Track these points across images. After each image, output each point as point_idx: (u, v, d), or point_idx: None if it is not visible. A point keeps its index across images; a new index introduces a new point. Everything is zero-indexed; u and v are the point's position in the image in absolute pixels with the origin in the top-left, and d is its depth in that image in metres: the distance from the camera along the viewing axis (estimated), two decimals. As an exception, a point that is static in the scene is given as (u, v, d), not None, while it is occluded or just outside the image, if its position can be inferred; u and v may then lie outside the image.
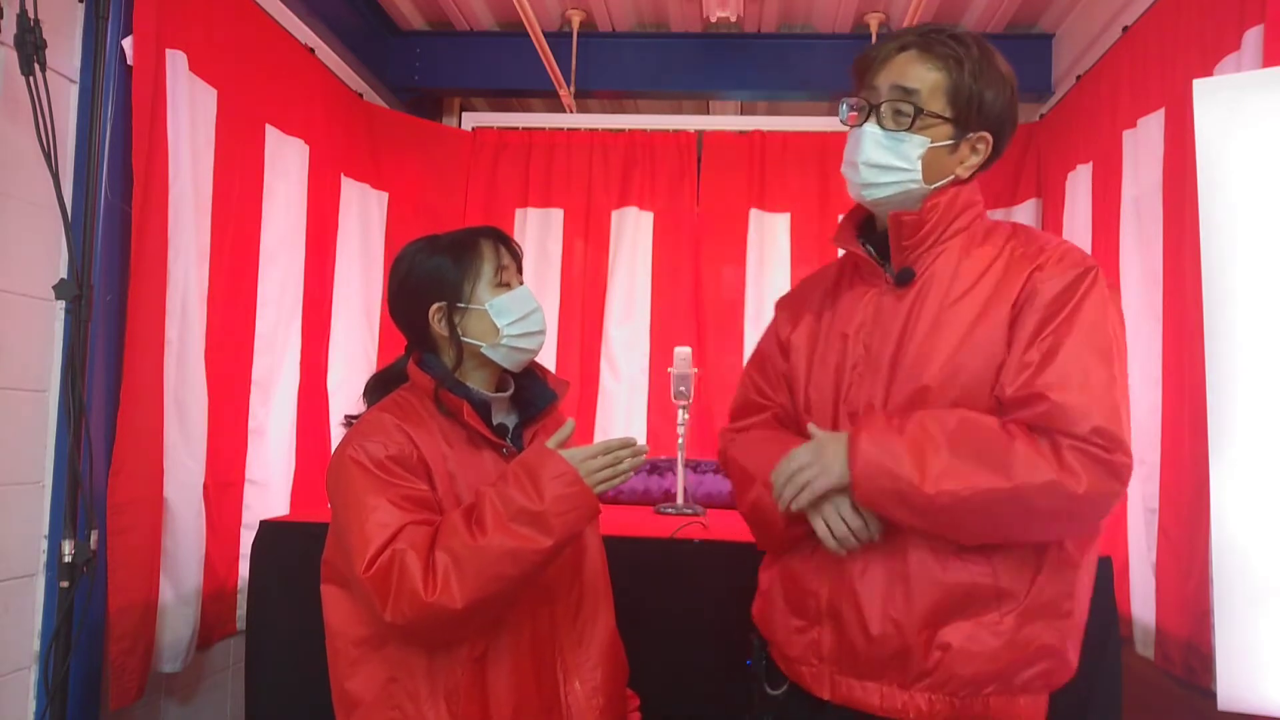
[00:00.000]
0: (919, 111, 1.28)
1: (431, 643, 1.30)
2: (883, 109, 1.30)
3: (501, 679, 1.31)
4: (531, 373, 1.50)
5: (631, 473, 1.30)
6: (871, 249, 1.37)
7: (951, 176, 1.32)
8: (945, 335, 1.25)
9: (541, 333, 1.43)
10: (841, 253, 1.45)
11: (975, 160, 1.32)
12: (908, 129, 1.29)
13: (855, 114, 1.34)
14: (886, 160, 1.30)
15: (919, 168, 1.30)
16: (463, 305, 1.39)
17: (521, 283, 1.45)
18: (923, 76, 1.29)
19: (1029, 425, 1.18)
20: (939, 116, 1.29)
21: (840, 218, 1.46)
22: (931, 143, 1.29)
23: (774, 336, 1.48)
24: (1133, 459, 1.18)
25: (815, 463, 1.24)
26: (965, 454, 1.17)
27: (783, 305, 1.51)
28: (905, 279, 1.32)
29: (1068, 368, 1.18)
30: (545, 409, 1.48)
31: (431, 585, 1.20)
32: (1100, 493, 1.16)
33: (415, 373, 1.40)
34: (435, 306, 1.40)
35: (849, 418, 1.32)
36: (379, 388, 1.46)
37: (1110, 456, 1.15)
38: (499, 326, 1.39)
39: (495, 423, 1.43)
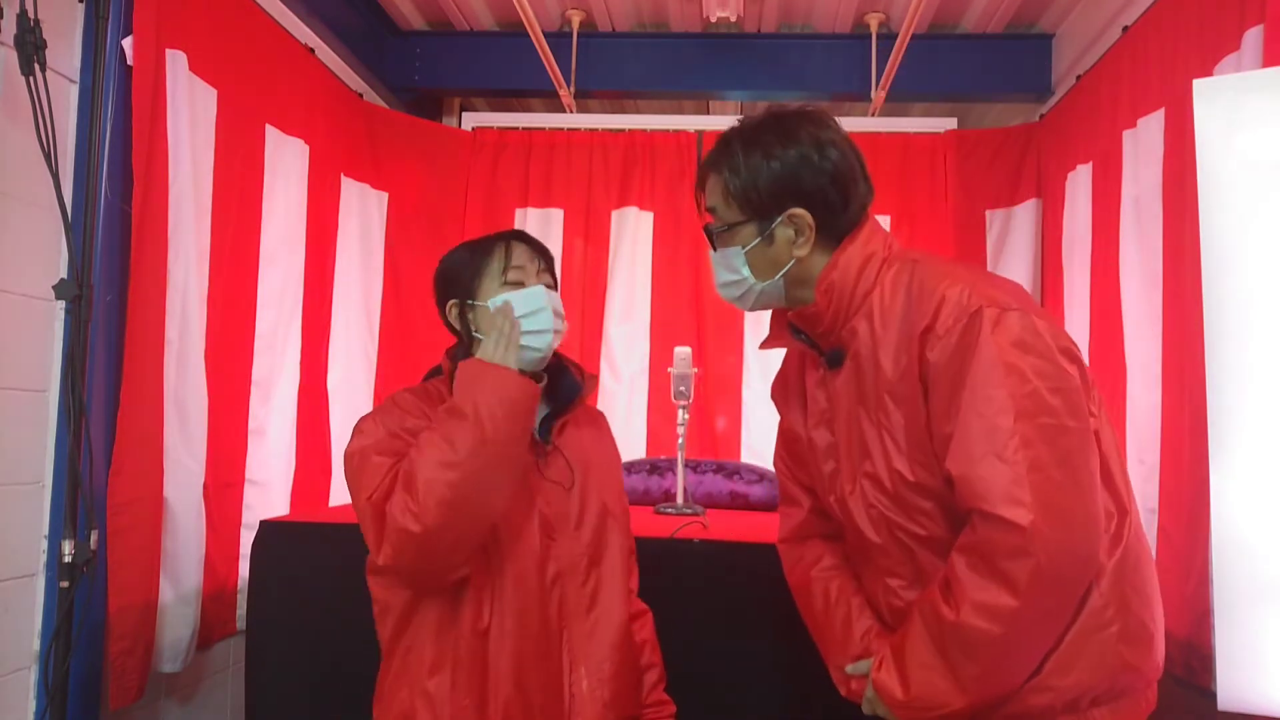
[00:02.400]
0: (712, 230, 1.34)
1: (431, 577, 1.35)
2: (710, 233, 1.36)
3: (504, 656, 1.37)
4: (564, 368, 1.57)
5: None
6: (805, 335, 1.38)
7: (791, 261, 1.30)
8: (890, 418, 1.25)
9: (548, 331, 1.45)
10: None
11: (804, 237, 1.29)
12: (721, 245, 1.34)
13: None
14: (725, 277, 1.36)
15: (748, 273, 1.33)
16: (472, 302, 1.46)
17: (541, 283, 1.48)
18: (715, 192, 1.34)
19: (962, 511, 1.18)
20: (737, 222, 1.31)
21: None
22: (744, 247, 1.32)
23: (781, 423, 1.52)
24: (1025, 512, 1.10)
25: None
26: (952, 655, 1.17)
27: (773, 395, 1.53)
28: (835, 362, 1.33)
29: (967, 437, 1.15)
30: (571, 402, 1.54)
31: (400, 516, 1.27)
32: (1033, 586, 1.11)
33: (445, 362, 1.50)
34: (450, 302, 1.50)
35: (837, 504, 1.35)
36: (427, 378, 1.56)
37: (995, 548, 1.12)
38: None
39: None
